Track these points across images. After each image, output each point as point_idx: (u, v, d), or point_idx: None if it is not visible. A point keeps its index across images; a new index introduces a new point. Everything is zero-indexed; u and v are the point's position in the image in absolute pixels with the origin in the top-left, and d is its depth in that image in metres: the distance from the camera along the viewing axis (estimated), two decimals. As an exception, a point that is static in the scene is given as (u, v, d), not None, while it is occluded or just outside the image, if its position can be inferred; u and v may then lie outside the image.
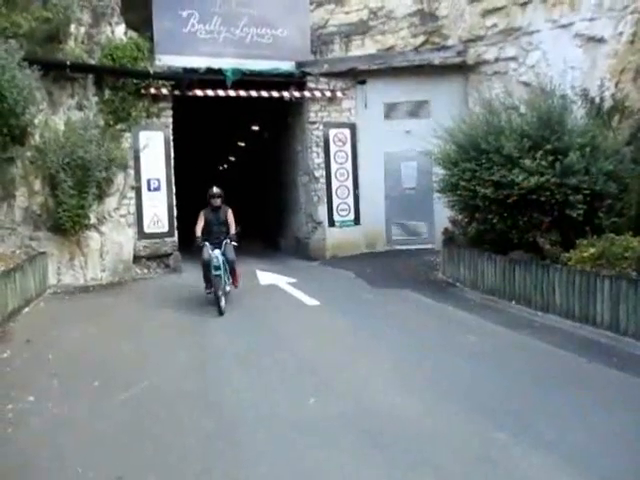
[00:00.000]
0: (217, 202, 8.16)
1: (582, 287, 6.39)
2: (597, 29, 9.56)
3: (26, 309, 7.92)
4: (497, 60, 11.37)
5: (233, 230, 8.08)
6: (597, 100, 8.72)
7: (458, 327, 6.57)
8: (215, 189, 8.23)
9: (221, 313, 7.41)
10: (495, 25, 11.16)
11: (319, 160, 12.33)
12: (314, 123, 12.31)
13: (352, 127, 12.40)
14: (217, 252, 7.69)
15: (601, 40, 9.51)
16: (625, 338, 5.76)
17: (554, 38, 10.21)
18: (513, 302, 7.47)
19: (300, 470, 3.50)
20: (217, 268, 7.60)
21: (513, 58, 11.07)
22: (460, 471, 3.41)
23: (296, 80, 12.07)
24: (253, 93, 11.74)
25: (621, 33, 9.24)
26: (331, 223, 12.31)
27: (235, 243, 8.04)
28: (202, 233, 8.05)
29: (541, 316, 6.87)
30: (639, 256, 6.03)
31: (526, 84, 10.36)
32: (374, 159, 12.31)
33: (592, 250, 6.57)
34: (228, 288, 8.07)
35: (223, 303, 7.52)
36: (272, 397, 4.65)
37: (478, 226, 8.43)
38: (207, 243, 7.87)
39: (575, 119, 7.78)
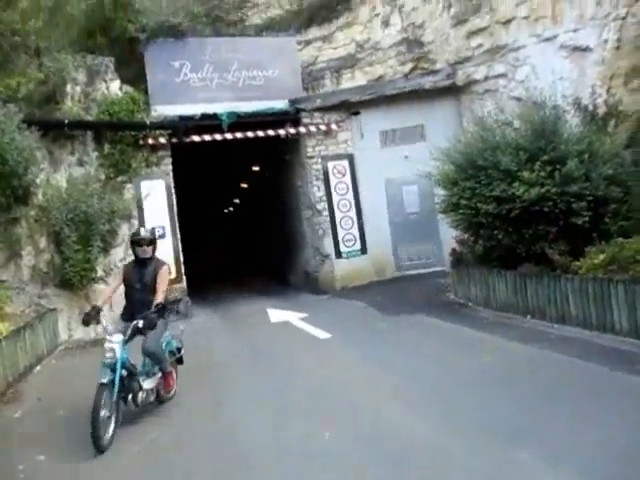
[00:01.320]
0: (146, 252, 5.37)
1: (596, 295, 6.24)
2: (582, 39, 9.64)
3: (37, 367, 7.88)
4: (487, 78, 11.46)
5: (158, 298, 5.10)
6: (590, 107, 8.73)
7: (472, 347, 6.40)
8: (143, 232, 5.55)
9: (100, 450, 4.40)
10: (481, 45, 11.30)
11: (320, 193, 12.37)
12: (312, 157, 12.39)
13: (350, 158, 12.47)
14: (116, 337, 4.80)
15: (587, 49, 9.58)
16: (646, 343, 5.59)
17: (540, 52, 10.30)
18: (527, 317, 7.31)
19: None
20: (107, 368, 4.67)
21: (502, 75, 11.16)
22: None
23: (291, 117, 12.21)
24: (249, 134, 11.87)
25: (606, 40, 9.30)
26: (338, 255, 12.26)
27: (148, 329, 5.04)
28: (127, 300, 5.43)
29: (557, 328, 6.69)
30: (650, 258, 5.91)
31: (518, 99, 10.39)
32: (375, 187, 12.33)
33: (602, 256, 6.45)
34: (147, 396, 5.18)
35: (109, 431, 4.58)
36: (285, 429, 4.54)
37: (484, 243, 8.33)
38: (104, 322, 4.96)
39: (570, 127, 7.78)
